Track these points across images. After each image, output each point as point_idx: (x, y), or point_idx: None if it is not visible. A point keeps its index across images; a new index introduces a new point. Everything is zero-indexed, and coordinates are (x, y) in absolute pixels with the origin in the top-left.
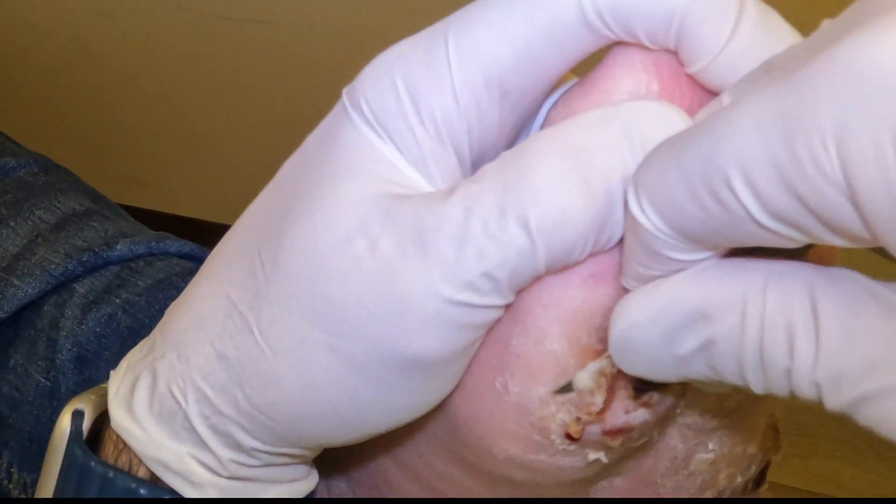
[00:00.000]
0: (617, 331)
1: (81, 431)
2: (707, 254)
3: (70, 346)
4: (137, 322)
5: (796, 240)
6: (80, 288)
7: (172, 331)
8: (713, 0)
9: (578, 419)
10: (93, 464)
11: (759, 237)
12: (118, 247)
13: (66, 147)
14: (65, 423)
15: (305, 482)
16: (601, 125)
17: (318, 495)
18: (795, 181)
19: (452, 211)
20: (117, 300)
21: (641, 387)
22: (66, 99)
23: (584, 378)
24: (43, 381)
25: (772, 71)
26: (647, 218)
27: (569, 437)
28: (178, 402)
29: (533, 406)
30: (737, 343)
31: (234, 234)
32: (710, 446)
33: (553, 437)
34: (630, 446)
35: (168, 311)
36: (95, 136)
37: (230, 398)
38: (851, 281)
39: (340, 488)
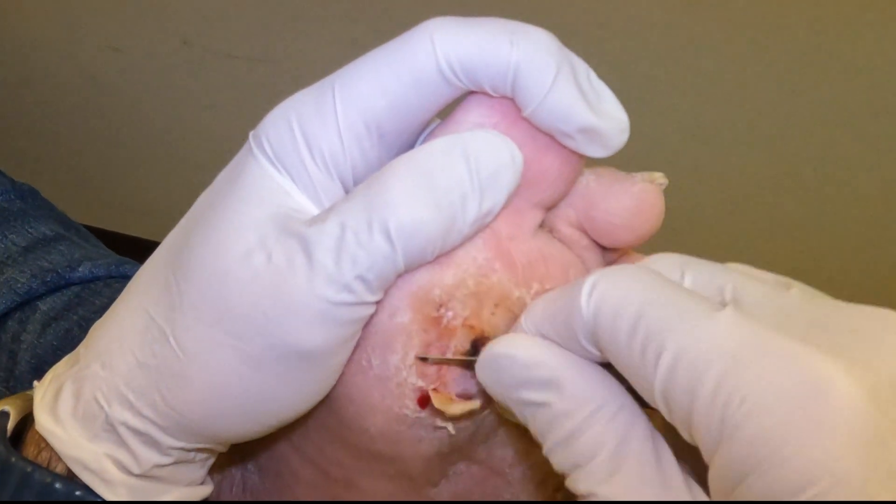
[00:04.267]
0: (496, 350)
1: (5, 430)
2: (599, 356)
3: (29, 359)
4: None
5: None
6: (43, 305)
7: (97, 345)
8: (537, 58)
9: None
10: (13, 459)
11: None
12: (80, 269)
13: (71, 176)
14: None
15: (203, 487)
16: (445, 151)
17: (235, 484)
18: None
19: (330, 226)
20: (75, 317)
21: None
22: (71, 129)
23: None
24: (2, 390)
25: None
26: (589, 311)
27: (420, 402)
28: (101, 406)
29: (390, 373)
30: (558, 421)
31: (152, 261)
32: None
33: (407, 402)
34: (474, 421)
35: (92, 330)
36: (100, 166)
37: (149, 400)
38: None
39: (253, 479)
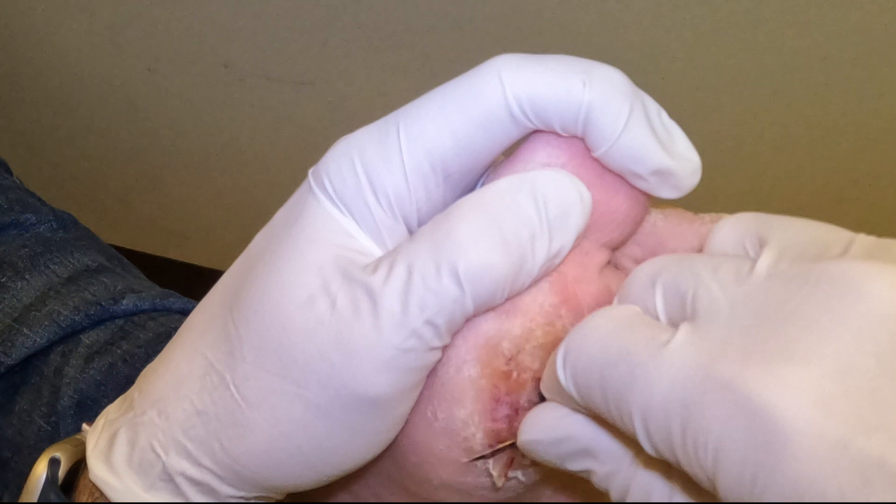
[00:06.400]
0: (523, 438)
1: (57, 479)
2: None
3: (72, 393)
4: (136, 372)
5: None
6: (86, 339)
7: (152, 391)
8: (610, 98)
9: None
10: None
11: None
12: (124, 302)
13: (109, 199)
14: (40, 469)
15: None
16: (512, 191)
17: None
18: None
19: (396, 270)
20: (119, 351)
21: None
22: (110, 150)
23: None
24: (44, 425)
25: None
26: (570, 389)
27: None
28: (158, 455)
29: (457, 428)
30: (608, 482)
31: (207, 302)
32: None
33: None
34: (542, 468)
35: (144, 374)
36: (139, 188)
37: (208, 449)
38: None
39: None
